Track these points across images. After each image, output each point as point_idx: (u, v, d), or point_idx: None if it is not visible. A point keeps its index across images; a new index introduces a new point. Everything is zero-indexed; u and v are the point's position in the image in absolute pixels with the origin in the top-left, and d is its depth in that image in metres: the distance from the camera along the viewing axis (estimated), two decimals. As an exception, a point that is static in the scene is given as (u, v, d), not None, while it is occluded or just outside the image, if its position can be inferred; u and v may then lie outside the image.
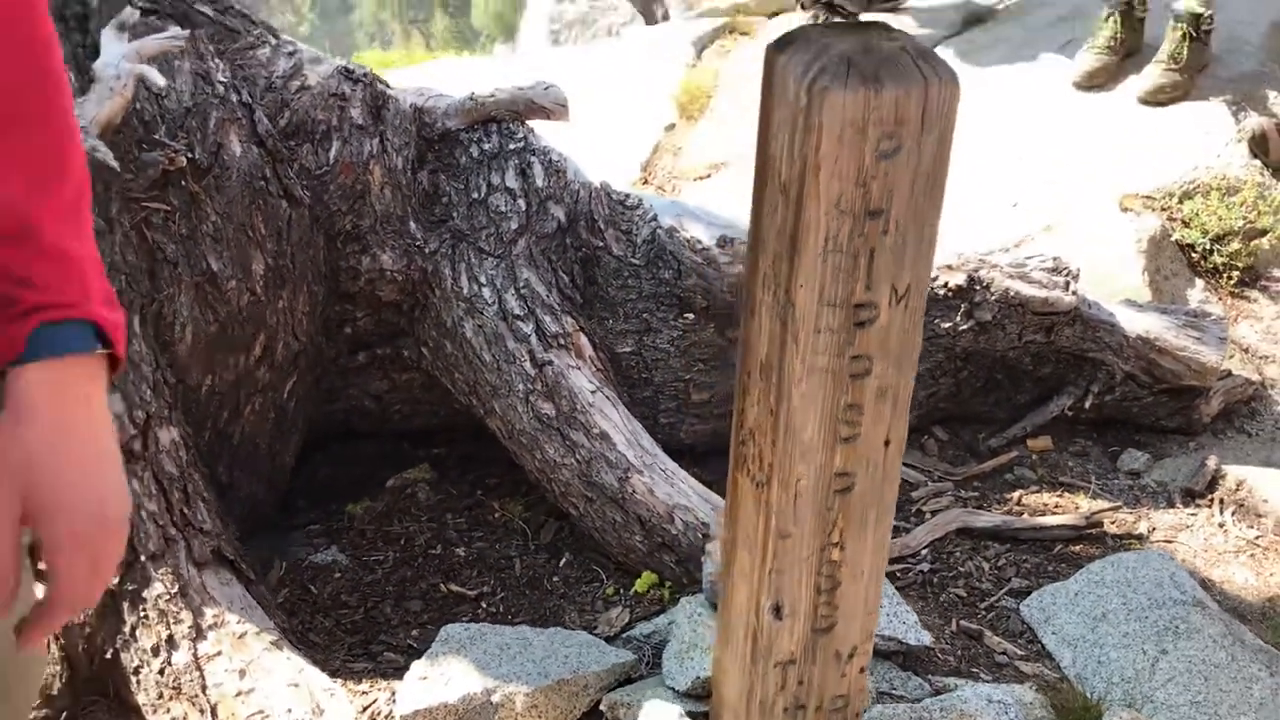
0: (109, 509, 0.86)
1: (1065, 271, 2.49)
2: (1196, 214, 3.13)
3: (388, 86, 2.40)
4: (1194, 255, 3.12)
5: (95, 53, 2.03)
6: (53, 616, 0.86)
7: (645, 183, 3.71)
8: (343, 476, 2.53)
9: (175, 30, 2.05)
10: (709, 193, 3.53)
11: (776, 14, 5.08)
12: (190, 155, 2.04)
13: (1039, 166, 3.40)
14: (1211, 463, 2.53)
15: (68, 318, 0.85)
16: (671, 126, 3.98)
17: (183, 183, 2.03)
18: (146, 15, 2.13)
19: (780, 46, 1.34)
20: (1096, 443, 2.64)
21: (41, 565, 0.85)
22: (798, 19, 4.50)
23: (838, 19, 4.27)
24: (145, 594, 1.86)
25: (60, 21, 2.02)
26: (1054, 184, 3.33)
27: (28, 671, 1.06)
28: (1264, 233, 3.11)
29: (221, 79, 2.13)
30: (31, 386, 0.83)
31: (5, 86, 0.84)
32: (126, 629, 1.86)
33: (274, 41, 2.34)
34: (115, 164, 1.89)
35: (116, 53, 1.96)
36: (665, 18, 6.58)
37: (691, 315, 2.42)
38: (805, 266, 1.33)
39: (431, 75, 4.61)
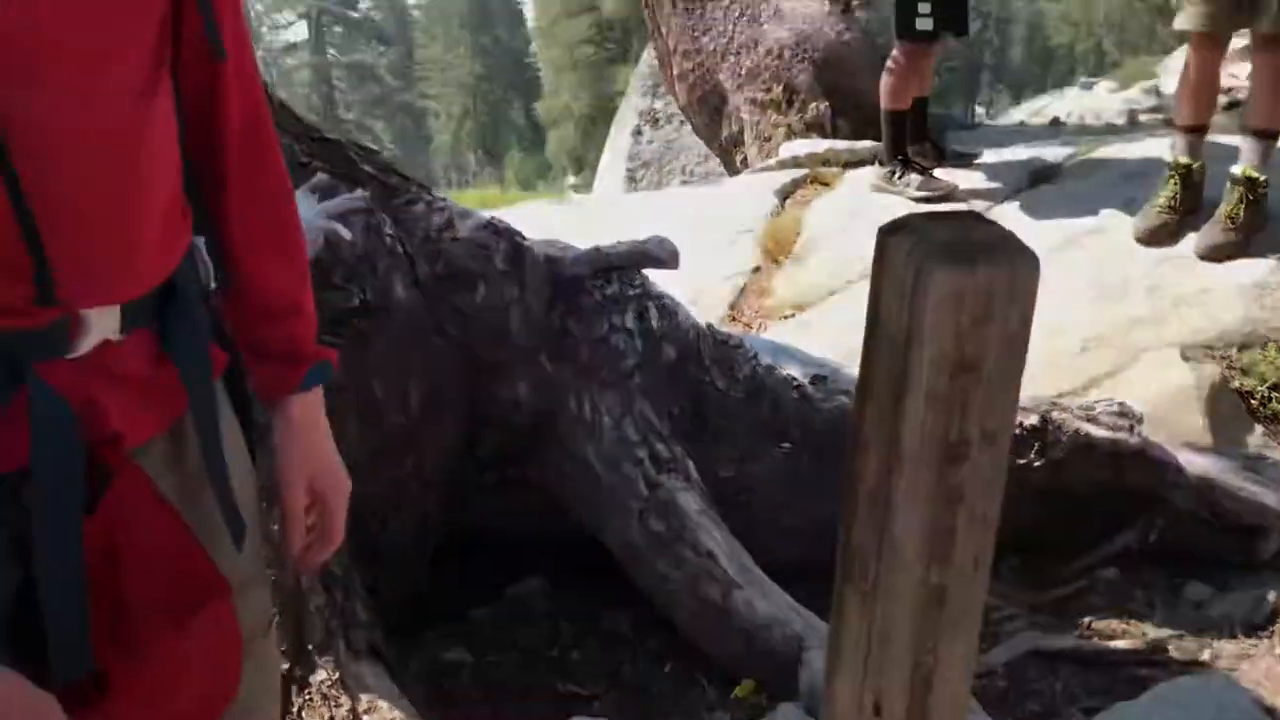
0: (345, 475, 1.34)
1: (1130, 415, 2.73)
2: (1255, 363, 3.36)
3: (524, 239, 2.74)
4: (1253, 402, 3.33)
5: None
6: (331, 541, 1.32)
7: (734, 320, 4.02)
8: (469, 581, 2.79)
9: (358, 193, 2.41)
10: (793, 332, 3.83)
11: (853, 165, 5.45)
12: (362, 297, 2.37)
13: (1106, 315, 3.66)
14: (1272, 596, 2.71)
15: (320, 359, 1.27)
16: (758, 269, 4.31)
17: (354, 320, 2.37)
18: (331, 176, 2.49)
19: (890, 230, 1.63)
20: (1162, 574, 2.83)
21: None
22: (873, 173, 4.83)
23: (913, 173, 4.61)
24: (311, 679, 2.13)
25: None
26: (1120, 331, 3.58)
27: (270, 683, 1.35)
28: (1319, 382, 3.32)
29: (389, 232, 2.48)
30: (307, 408, 1.28)
31: (279, 221, 1.22)
32: (294, 710, 2.12)
33: (428, 198, 2.70)
34: (305, 304, 2.22)
35: (309, 211, 2.31)
36: (744, 163, 6.97)
37: (788, 445, 2.68)
38: (910, 411, 1.60)
39: (528, 217, 5.01)
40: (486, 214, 2.78)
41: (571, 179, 31.23)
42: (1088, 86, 18.35)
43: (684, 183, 11.27)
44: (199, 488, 1.13)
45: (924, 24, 4.42)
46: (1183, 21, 3.72)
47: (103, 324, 1.01)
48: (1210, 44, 3.70)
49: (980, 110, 40.65)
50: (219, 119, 1.11)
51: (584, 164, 34.56)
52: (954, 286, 1.57)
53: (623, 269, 2.76)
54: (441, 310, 2.50)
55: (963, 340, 1.61)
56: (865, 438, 1.75)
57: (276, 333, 1.24)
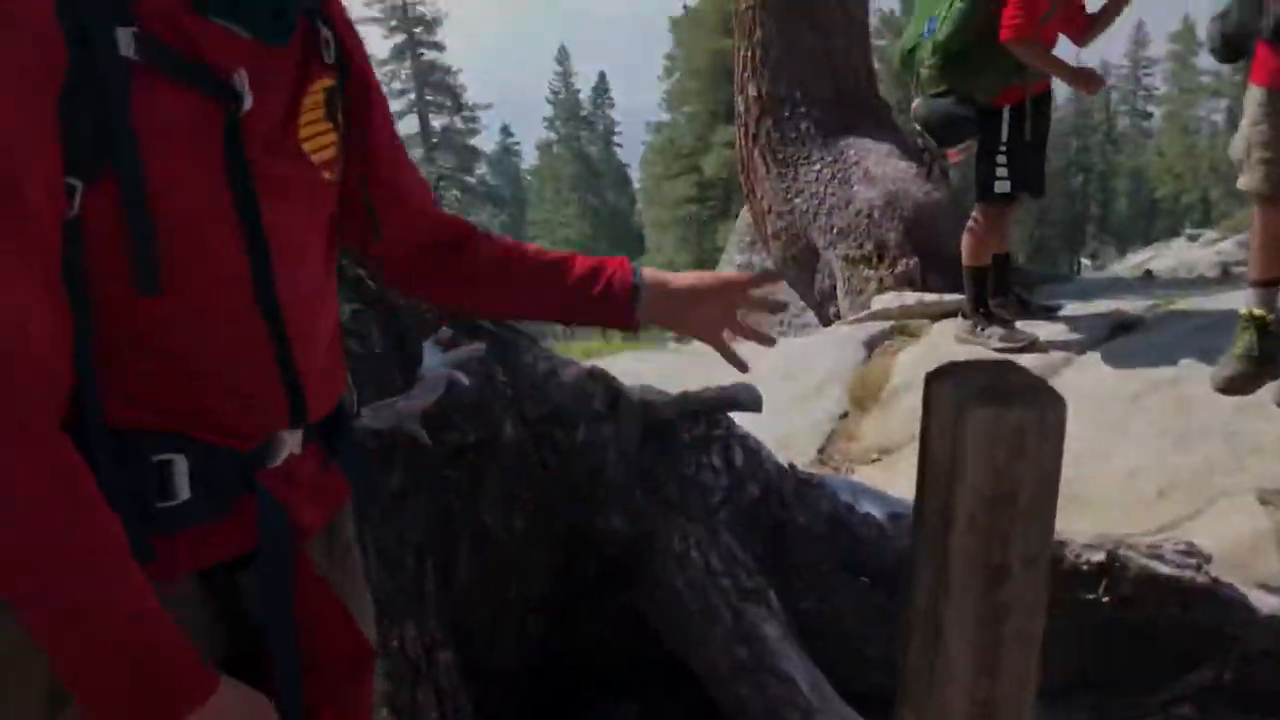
0: None
1: (1197, 554, 2.84)
2: (1334, 509, 3.43)
3: (620, 384, 3.02)
4: (1331, 547, 3.39)
5: (413, 360, 2.71)
6: None
7: (822, 463, 4.22)
8: (565, 701, 2.99)
9: (476, 344, 2.73)
10: (879, 475, 4.01)
11: (942, 317, 5.67)
12: (476, 434, 2.66)
13: (1183, 461, 3.77)
14: (1350, 737, 2.76)
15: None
16: (846, 415, 4.53)
17: (469, 454, 2.65)
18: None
19: (936, 376, 1.88)
20: (1237, 713, 2.88)
21: None
22: (957, 325, 5.05)
23: (995, 326, 4.82)
24: (420, 783, 2.34)
25: (392, 337, 2.72)
26: (1197, 477, 3.69)
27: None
28: (1400, 529, 3.37)
29: (501, 378, 2.79)
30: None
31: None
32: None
33: (536, 350, 3.01)
34: (427, 440, 2.52)
35: (434, 360, 2.63)
36: (837, 315, 7.23)
37: (865, 580, 2.86)
38: (956, 538, 1.81)
39: (628, 365, 5.33)
40: (588, 363, 3.07)
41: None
42: (1194, 238, 18.38)
43: (780, 333, 11.60)
44: (342, 570, 1.40)
45: (1002, 186, 4.69)
46: (1244, 182, 3.92)
47: (293, 440, 1.29)
48: (1271, 204, 3.88)
49: (1086, 262, 40.56)
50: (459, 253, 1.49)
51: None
52: (990, 425, 1.81)
53: (710, 412, 3.01)
54: (545, 447, 2.78)
55: (1000, 474, 1.83)
56: (918, 564, 1.97)
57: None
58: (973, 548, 1.84)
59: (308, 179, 1.22)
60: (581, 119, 55.72)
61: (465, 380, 2.60)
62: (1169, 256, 16.65)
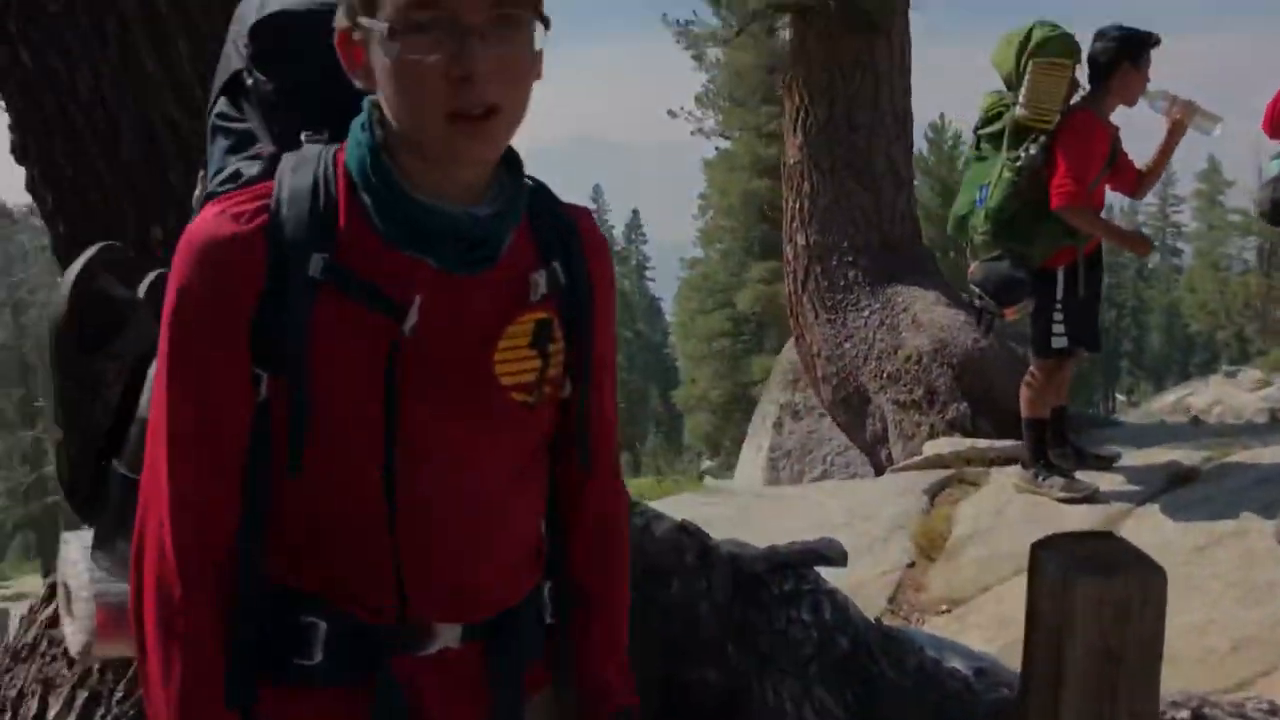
0: None
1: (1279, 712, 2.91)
2: (1407, 665, 3.47)
3: (710, 539, 3.16)
4: None
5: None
6: None
7: (892, 613, 4.29)
8: None
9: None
10: (950, 626, 4.09)
11: (995, 462, 5.79)
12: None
13: (1254, 615, 3.83)
14: None
15: (626, 705, 1.56)
16: (912, 564, 4.62)
17: (573, 610, 2.78)
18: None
19: (1042, 545, 2.03)
20: None
21: None
22: (1017, 474, 5.15)
23: (1056, 476, 4.93)
24: None
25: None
26: (1269, 632, 3.74)
27: None
28: None
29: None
30: None
31: (614, 595, 1.60)
32: None
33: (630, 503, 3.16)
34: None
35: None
36: (889, 459, 7.35)
37: (953, 733, 2.93)
38: (1067, 696, 1.94)
39: (687, 509, 5.43)
40: (678, 517, 3.21)
41: (707, 462, 31.90)
42: (1231, 375, 18.41)
43: (824, 473, 11.66)
44: None
45: (1059, 342, 4.86)
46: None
47: (448, 635, 1.37)
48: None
49: (1121, 398, 40.48)
50: (577, 510, 1.51)
51: (720, 449, 35.42)
52: (1098, 593, 1.94)
53: (796, 566, 3.13)
54: (643, 603, 2.90)
55: (1107, 636, 1.96)
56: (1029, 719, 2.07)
57: (594, 668, 1.53)
58: (1082, 705, 1.96)
59: (489, 399, 1.32)
60: (616, 254, 56.84)
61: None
62: (1206, 393, 16.66)
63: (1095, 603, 1.92)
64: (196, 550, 1.26)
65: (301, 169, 1.26)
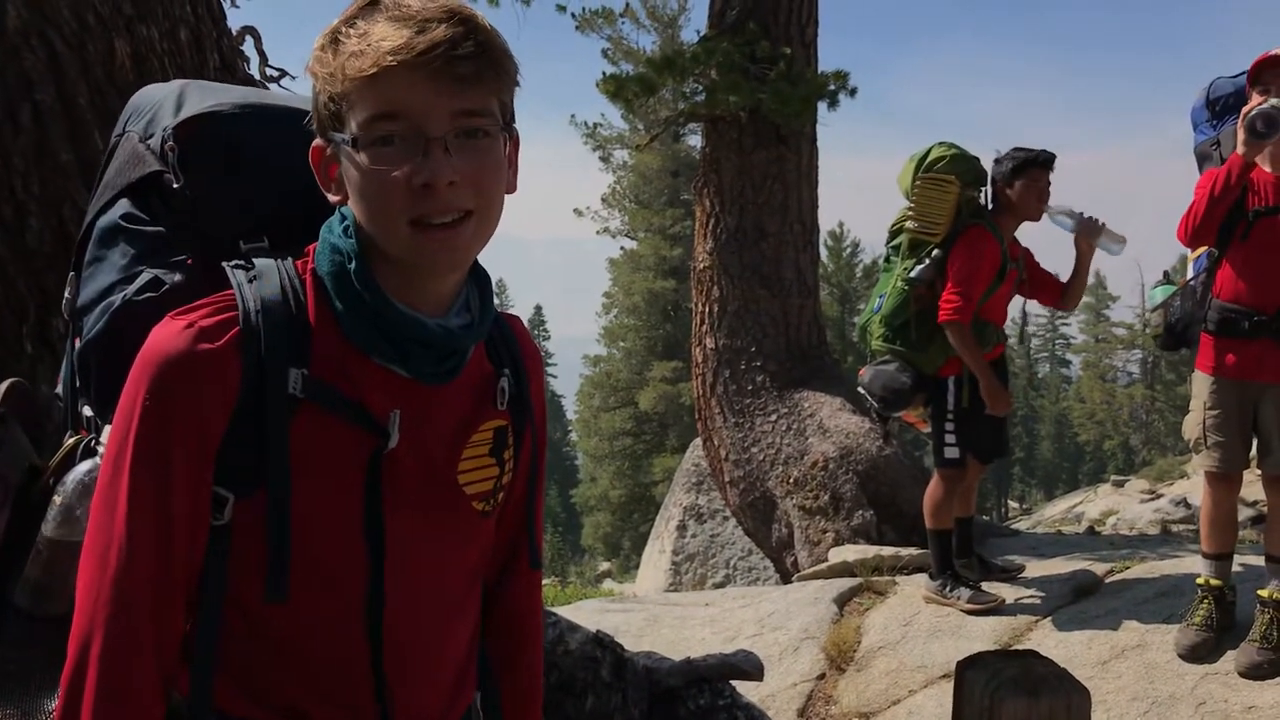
0: None
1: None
2: (1306, 781, 3.52)
3: (625, 651, 3.09)
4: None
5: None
6: None
7: (802, 727, 4.23)
8: None
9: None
10: (861, 740, 4.04)
11: (901, 569, 5.81)
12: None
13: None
14: None
15: None
16: (823, 676, 4.57)
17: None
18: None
19: (968, 664, 2.01)
20: None
21: None
22: (924, 584, 5.17)
23: (963, 587, 4.96)
24: None
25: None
26: (1171, 746, 3.78)
27: None
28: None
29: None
30: None
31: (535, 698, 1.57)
32: None
33: (543, 614, 3.07)
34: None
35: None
36: (795, 565, 7.34)
37: None
38: (995, 826, 1.90)
39: (595, 617, 5.35)
40: (587, 625, 3.14)
41: (604, 564, 31.61)
42: (1119, 484, 18.96)
43: (726, 577, 11.63)
44: None
45: (950, 453, 4.94)
46: (1199, 462, 4.19)
47: None
48: (1225, 481, 4.14)
49: (1014, 505, 41.37)
50: (520, 609, 1.52)
51: (619, 550, 35.18)
52: (1024, 714, 1.93)
53: (712, 680, 3.07)
54: (557, 719, 2.81)
55: (1035, 760, 1.93)
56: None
57: None
58: (1010, 837, 1.93)
59: (457, 509, 1.33)
60: (519, 350, 56.66)
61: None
62: (1099, 502, 17.11)
63: (1022, 726, 1.91)
64: (150, 668, 1.18)
65: (264, 279, 1.23)
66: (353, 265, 1.22)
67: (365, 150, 1.16)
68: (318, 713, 1.27)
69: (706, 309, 8.27)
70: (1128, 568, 5.26)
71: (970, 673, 2.01)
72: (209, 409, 1.17)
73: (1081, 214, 4.84)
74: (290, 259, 1.26)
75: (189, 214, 1.36)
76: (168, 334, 1.17)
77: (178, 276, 1.32)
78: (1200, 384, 4.11)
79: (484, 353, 1.36)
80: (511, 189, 1.26)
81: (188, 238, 1.35)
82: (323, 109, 1.20)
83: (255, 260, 1.26)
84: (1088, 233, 4.81)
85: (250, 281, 1.23)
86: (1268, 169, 3.94)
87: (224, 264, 1.26)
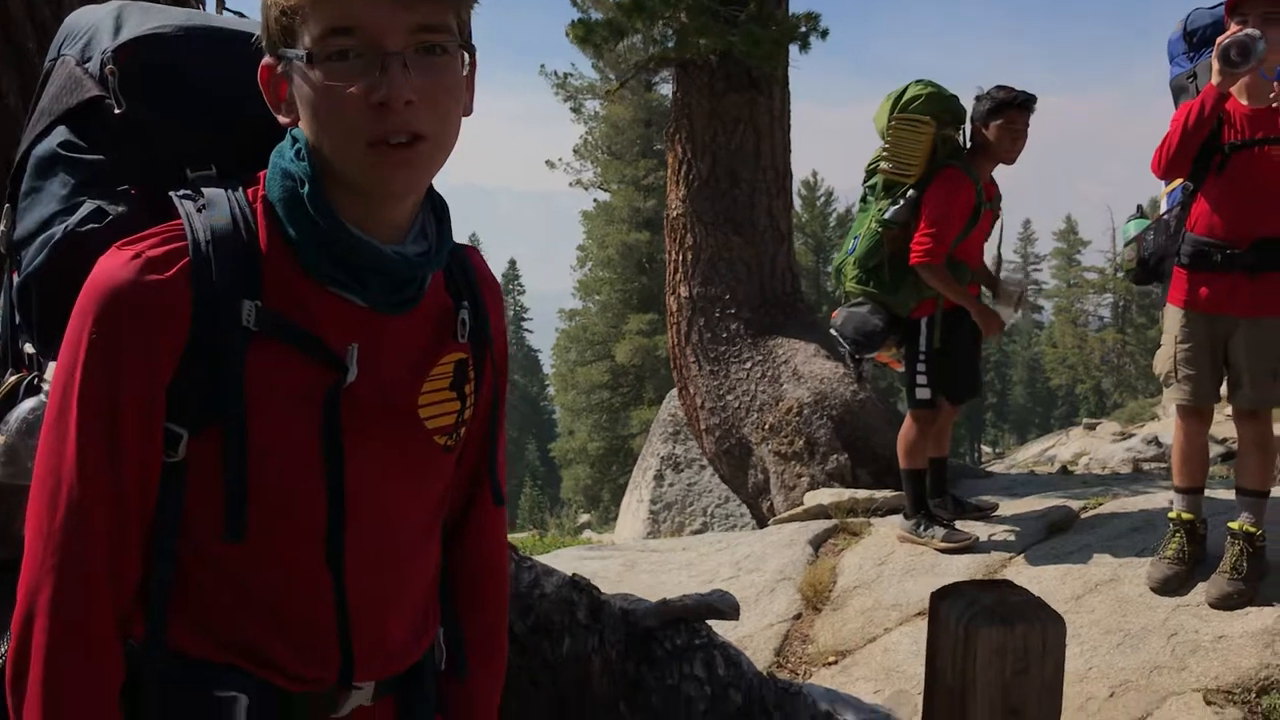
0: None
1: (1162, 759, 2.94)
2: (1274, 708, 3.57)
3: (601, 593, 3.08)
4: (1279, 750, 3.52)
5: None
6: None
7: (780, 665, 4.26)
8: None
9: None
10: (838, 678, 4.07)
11: (875, 512, 5.84)
12: (467, 649, 2.68)
13: (1130, 661, 3.91)
14: None
15: None
16: (799, 616, 4.60)
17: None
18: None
19: (942, 595, 2.01)
20: None
21: None
22: (899, 524, 5.20)
23: (937, 526, 4.99)
24: None
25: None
26: (1145, 677, 3.82)
27: None
28: (1341, 727, 3.52)
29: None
30: None
31: (497, 639, 1.55)
32: None
33: (517, 557, 3.06)
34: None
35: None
36: (770, 510, 7.38)
37: (847, 789, 2.90)
38: (969, 752, 1.90)
39: (575, 564, 5.35)
40: (568, 572, 3.13)
41: (584, 516, 31.73)
42: (1091, 427, 19.16)
43: (704, 524, 11.70)
44: None
45: (922, 393, 4.96)
46: (1170, 396, 4.21)
47: (363, 693, 1.32)
48: (1196, 416, 4.17)
49: (987, 450, 41.74)
50: (483, 545, 1.49)
51: (598, 502, 35.29)
52: (999, 642, 1.93)
53: (689, 620, 3.07)
54: (534, 662, 2.80)
55: (1008, 690, 1.94)
56: (934, 776, 2.03)
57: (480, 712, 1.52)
58: (985, 763, 1.93)
59: (416, 441, 1.29)
60: (493, 305, 56.33)
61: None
62: (1071, 445, 17.28)
63: (996, 653, 1.90)
64: (106, 612, 1.16)
65: (213, 208, 1.19)
66: (306, 190, 1.17)
67: (319, 66, 1.12)
68: (279, 651, 1.25)
69: (680, 257, 8.23)
70: (1100, 504, 5.31)
71: (945, 603, 2.00)
72: (159, 342, 1.13)
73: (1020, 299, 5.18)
74: (241, 188, 1.22)
75: (131, 141, 1.31)
76: (114, 265, 1.13)
77: (122, 207, 1.27)
78: (1172, 318, 4.11)
79: (442, 285, 1.32)
80: (468, 111, 1.22)
81: (130, 166, 1.30)
82: (274, 24, 1.15)
83: (203, 189, 1.21)
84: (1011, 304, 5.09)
85: (199, 211, 1.18)
86: (1243, 101, 3.92)
87: (170, 193, 1.21)
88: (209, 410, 1.15)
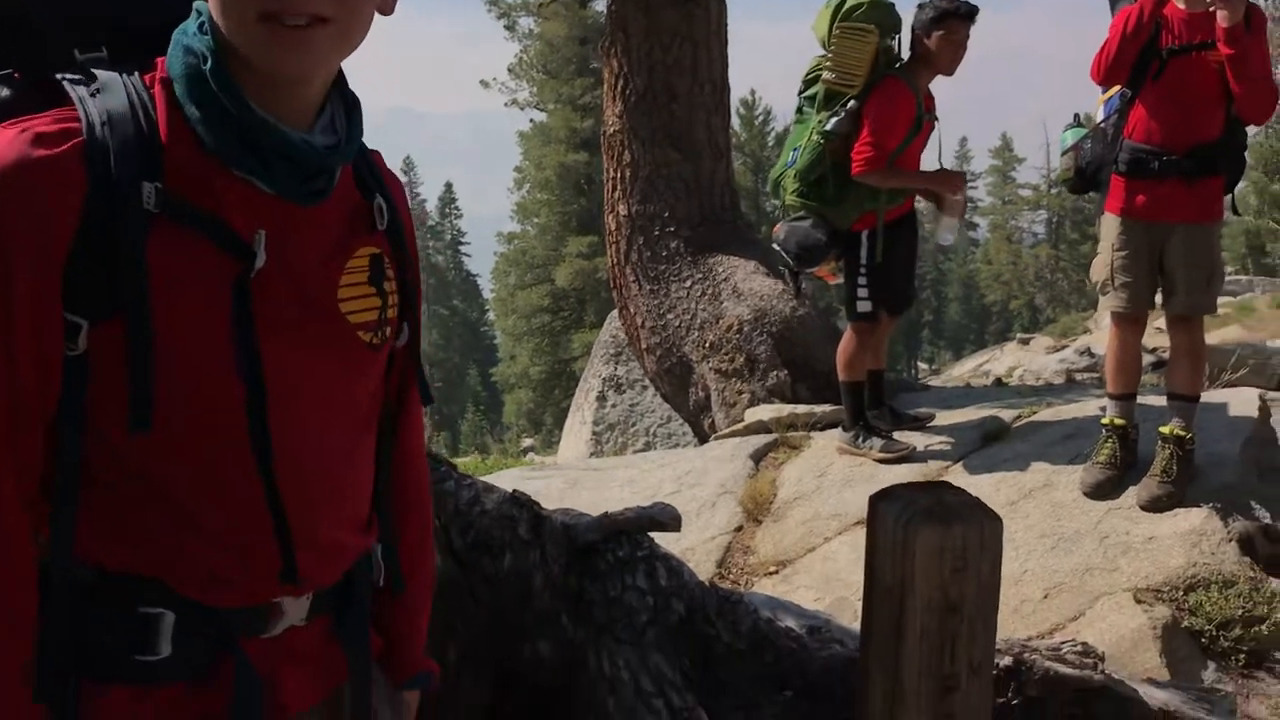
0: None
1: (1094, 654, 3.01)
2: (1200, 604, 3.68)
3: (543, 509, 3.06)
4: (1203, 640, 3.63)
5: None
6: None
7: (722, 577, 4.30)
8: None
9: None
10: (779, 587, 4.12)
11: (815, 426, 5.89)
12: (407, 566, 2.65)
13: (1063, 563, 4.00)
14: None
15: (425, 669, 1.58)
16: (740, 528, 4.64)
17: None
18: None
19: (881, 497, 2.01)
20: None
21: None
22: (838, 437, 5.25)
23: (875, 437, 5.04)
24: None
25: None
26: (1077, 578, 3.91)
27: None
28: (1262, 620, 3.64)
29: (429, 507, 2.79)
30: (413, 701, 1.57)
31: (427, 547, 1.56)
32: None
33: (457, 475, 3.03)
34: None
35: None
36: (712, 427, 7.41)
37: (789, 693, 2.93)
38: (907, 649, 1.93)
39: (515, 480, 5.34)
40: (508, 489, 3.10)
41: (528, 440, 31.82)
42: (1025, 341, 19.49)
43: (647, 444, 11.75)
44: None
45: (862, 306, 4.98)
46: (1105, 303, 4.26)
47: (296, 610, 1.28)
48: (1131, 322, 4.22)
49: (923, 366, 42.36)
50: (414, 445, 1.47)
51: (541, 426, 35.34)
52: (937, 542, 1.93)
53: (630, 533, 3.07)
54: (474, 577, 2.78)
55: (946, 588, 1.96)
56: (870, 676, 2.06)
57: (400, 635, 1.53)
58: (924, 658, 1.96)
59: (340, 339, 1.25)
60: (429, 228, 55.80)
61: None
62: (1005, 359, 17.57)
63: (935, 552, 1.91)
64: (16, 516, 1.11)
65: (107, 92, 1.12)
66: (208, 65, 1.11)
67: None
68: (212, 557, 1.20)
69: (618, 175, 8.13)
70: (1034, 413, 5.39)
71: (884, 505, 2.01)
72: (50, 221, 1.06)
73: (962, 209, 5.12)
74: (136, 73, 1.15)
75: (12, 22, 1.22)
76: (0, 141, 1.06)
77: (5, 91, 1.19)
78: (1109, 226, 4.14)
79: (352, 181, 1.28)
80: (387, 9, 1.17)
81: (11, 49, 1.21)
82: None
83: (95, 72, 1.14)
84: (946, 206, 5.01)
85: (93, 95, 1.11)
86: (1181, 5, 3.91)
87: (58, 76, 1.14)
88: (110, 299, 1.09)
